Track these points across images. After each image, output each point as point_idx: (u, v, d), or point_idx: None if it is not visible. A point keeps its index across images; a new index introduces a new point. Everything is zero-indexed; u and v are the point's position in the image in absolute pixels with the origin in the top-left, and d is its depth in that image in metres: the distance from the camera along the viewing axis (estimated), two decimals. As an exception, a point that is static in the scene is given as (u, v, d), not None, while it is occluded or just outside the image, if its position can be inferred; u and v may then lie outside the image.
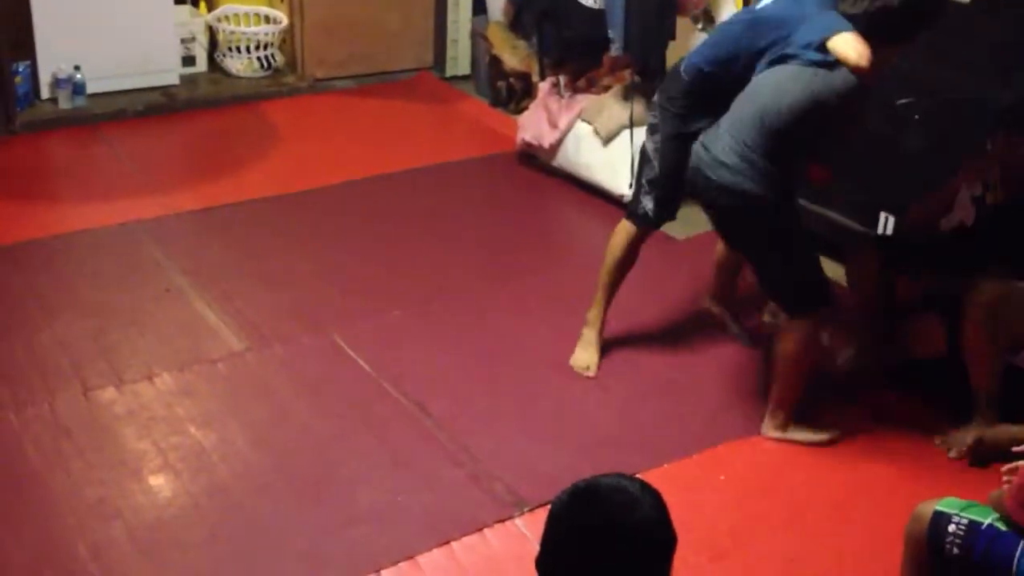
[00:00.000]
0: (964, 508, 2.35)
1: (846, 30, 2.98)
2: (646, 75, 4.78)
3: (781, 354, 3.30)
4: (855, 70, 2.95)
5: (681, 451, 3.28)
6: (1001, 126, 3.36)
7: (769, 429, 3.34)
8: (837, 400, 3.54)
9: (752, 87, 3.15)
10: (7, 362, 3.53)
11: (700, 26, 4.87)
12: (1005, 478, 2.42)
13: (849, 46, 2.95)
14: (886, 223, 4.03)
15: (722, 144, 3.12)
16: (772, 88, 3.08)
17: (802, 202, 4.32)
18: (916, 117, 3.91)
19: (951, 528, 2.33)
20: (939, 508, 2.37)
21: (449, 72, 6.24)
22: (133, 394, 3.41)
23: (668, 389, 3.59)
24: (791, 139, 3.07)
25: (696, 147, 3.22)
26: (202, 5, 6.00)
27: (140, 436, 3.24)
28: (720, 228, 3.40)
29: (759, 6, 3.31)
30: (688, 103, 3.41)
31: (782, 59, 3.10)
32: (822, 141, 3.21)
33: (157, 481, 3.06)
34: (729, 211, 3.20)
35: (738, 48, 3.26)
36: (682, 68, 3.44)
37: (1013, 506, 2.27)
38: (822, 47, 2.99)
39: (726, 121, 3.16)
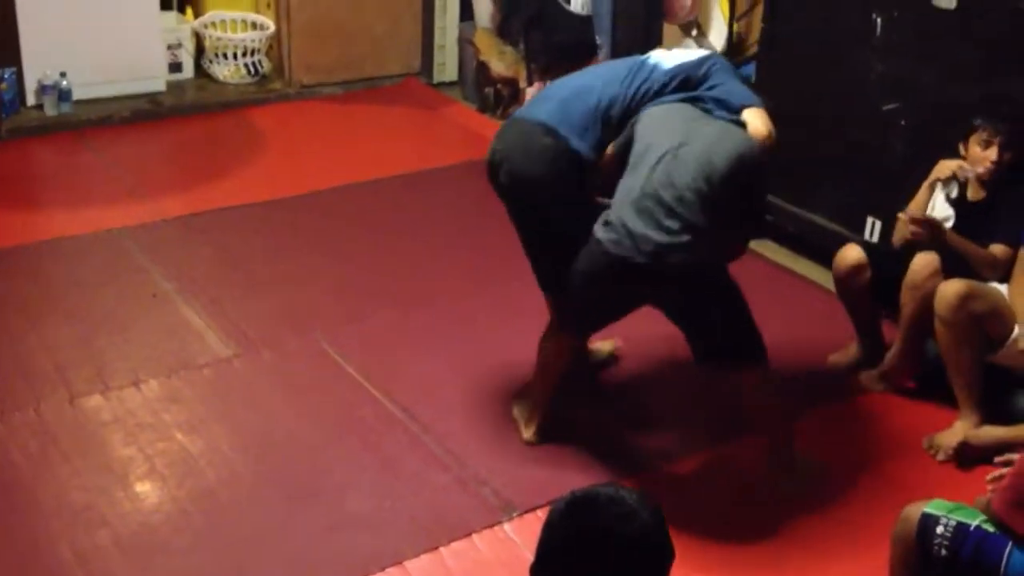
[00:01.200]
0: (952, 510, 2.36)
1: (760, 103, 2.99)
2: (633, 80, 4.79)
3: (767, 409, 3.13)
4: (764, 141, 2.94)
5: (671, 456, 3.28)
6: (970, 124, 3.39)
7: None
8: (826, 402, 3.56)
9: (666, 144, 2.86)
10: (-8, 368, 3.52)
11: (694, 33, 4.90)
12: (990, 486, 2.43)
13: (764, 120, 2.97)
14: (873, 227, 4.04)
15: (651, 215, 2.80)
16: (705, 143, 2.85)
17: (789, 206, 4.37)
18: (902, 122, 3.93)
19: (939, 530, 2.33)
20: (927, 510, 2.37)
21: (436, 78, 6.24)
22: (119, 400, 3.40)
23: (658, 394, 3.59)
24: (728, 196, 2.85)
25: (612, 233, 2.84)
26: (188, 11, 5.99)
27: (126, 442, 3.22)
28: (662, 302, 3.03)
29: (652, 59, 3.13)
30: None
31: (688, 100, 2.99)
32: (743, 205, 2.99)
33: (143, 487, 3.05)
34: (678, 281, 2.90)
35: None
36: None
37: (1001, 507, 2.28)
38: (737, 111, 2.96)
39: (639, 189, 2.82)
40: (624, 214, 2.82)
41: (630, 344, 3.83)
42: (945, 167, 3.45)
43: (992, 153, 3.35)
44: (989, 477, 2.52)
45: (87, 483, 3.05)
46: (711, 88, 3.01)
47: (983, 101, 3.52)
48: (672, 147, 2.84)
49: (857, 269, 3.54)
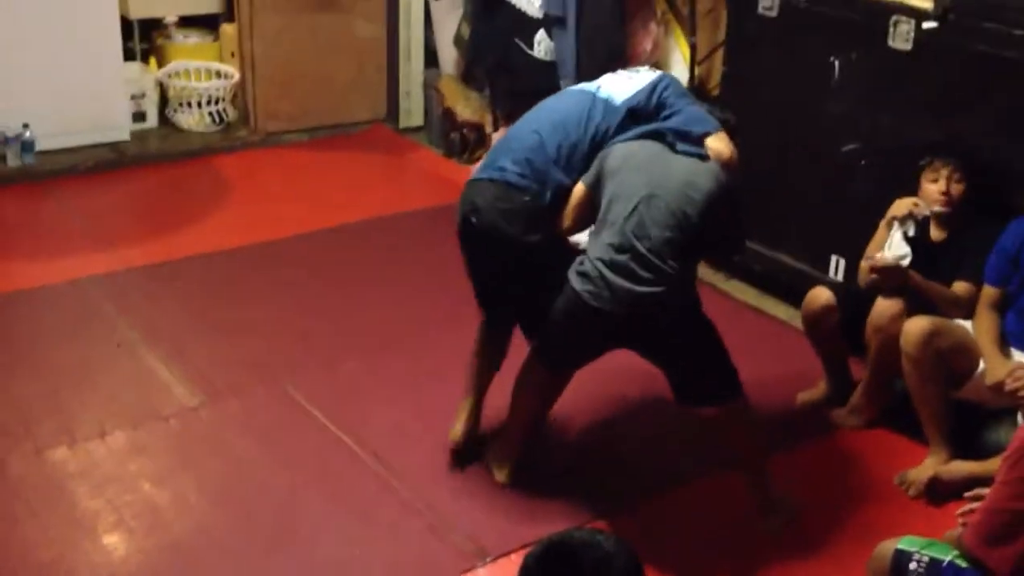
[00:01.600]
0: (925, 546, 2.37)
1: (718, 126, 3.03)
2: (597, 124, 4.83)
3: (746, 445, 3.15)
4: (728, 164, 2.99)
5: (644, 495, 3.28)
6: (930, 159, 3.46)
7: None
8: (798, 440, 3.57)
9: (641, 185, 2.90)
10: (-44, 423, 3.46)
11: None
12: (960, 520, 2.45)
13: (725, 142, 3.02)
14: (838, 266, 4.09)
15: (627, 268, 2.84)
16: (675, 190, 2.88)
17: (755, 245, 4.41)
18: (862, 162, 3.99)
19: (912, 566, 2.34)
20: (900, 547, 2.38)
21: (402, 124, 6.27)
22: (86, 452, 3.36)
23: (628, 433, 3.59)
24: (703, 233, 2.91)
25: (590, 285, 2.87)
26: (152, 61, 5.99)
27: (93, 495, 3.18)
28: (640, 346, 3.07)
29: (602, 93, 3.14)
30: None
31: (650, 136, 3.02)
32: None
33: (111, 539, 3.01)
34: (656, 326, 2.95)
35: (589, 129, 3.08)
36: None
37: (972, 542, 2.30)
38: (698, 140, 2.98)
39: (615, 243, 2.85)
40: (601, 266, 2.87)
41: (597, 379, 3.84)
42: (901, 205, 3.51)
43: (941, 185, 3.42)
44: (959, 512, 2.54)
45: (54, 537, 3.00)
46: (669, 117, 3.04)
47: (933, 140, 3.59)
48: (643, 197, 2.88)
49: (826, 311, 3.57)
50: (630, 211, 2.87)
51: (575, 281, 2.92)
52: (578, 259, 2.97)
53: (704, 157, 2.98)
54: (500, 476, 3.29)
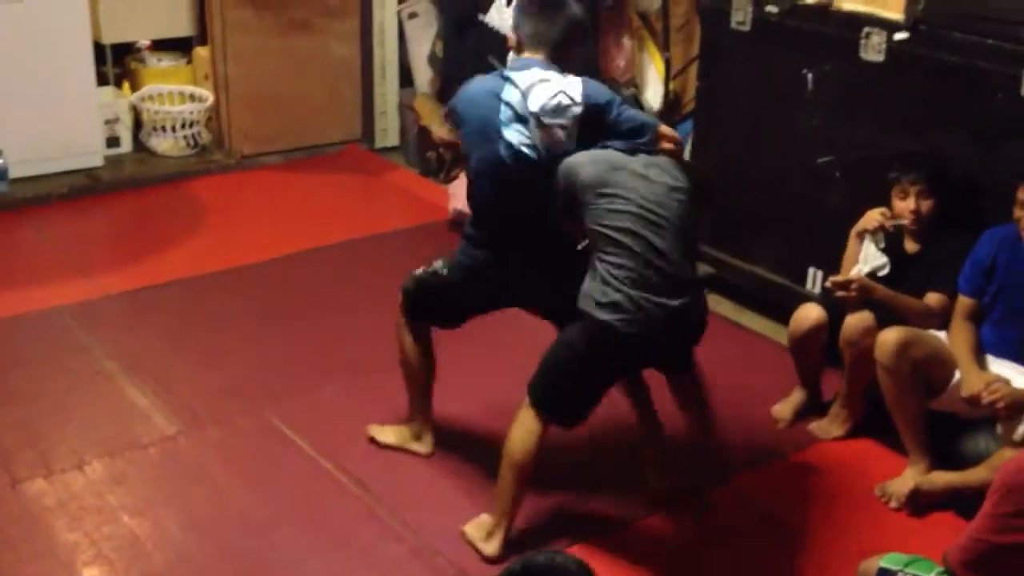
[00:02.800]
0: (908, 564, 2.38)
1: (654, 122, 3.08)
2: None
3: (707, 401, 3.25)
4: (675, 152, 3.05)
5: (619, 520, 3.26)
6: (897, 175, 3.48)
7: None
8: (778, 453, 3.57)
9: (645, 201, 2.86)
10: (-70, 457, 3.42)
11: (632, 91, 4.96)
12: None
13: (668, 128, 3.09)
14: (815, 279, 4.10)
15: (654, 286, 2.81)
16: (670, 205, 2.88)
17: (731, 259, 4.43)
18: (836, 174, 4.01)
19: None
20: (883, 564, 2.40)
21: (378, 144, 6.26)
22: (63, 484, 3.32)
23: (603, 457, 3.57)
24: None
25: (620, 313, 2.79)
26: (125, 86, 5.97)
27: (71, 527, 3.15)
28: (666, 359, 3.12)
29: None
30: None
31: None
32: None
33: (90, 573, 2.98)
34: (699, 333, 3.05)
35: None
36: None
37: (957, 566, 2.32)
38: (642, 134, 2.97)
39: (635, 269, 2.81)
40: (630, 292, 2.79)
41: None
42: (870, 218, 3.52)
43: (911, 203, 3.44)
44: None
45: (31, 571, 2.96)
46: (617, 123, 2.96)
47: (901, 154, 3.60)
48: (645, 212, 2.83)
49: (816, 329, 3.57)
50: (636, 235, 2.81)
51: (599, 312, 2.81)
52: (585, 293, 2.85)
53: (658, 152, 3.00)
54: (491, 548, 3.01)
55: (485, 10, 4.86)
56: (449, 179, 5.57)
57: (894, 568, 2.37)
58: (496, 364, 4.02)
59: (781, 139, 4.20)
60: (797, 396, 3.75)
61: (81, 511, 3.21)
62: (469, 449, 3.54)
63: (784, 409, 3.75)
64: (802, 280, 4.15)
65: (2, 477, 3.34)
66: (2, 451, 3.46)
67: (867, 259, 3.52)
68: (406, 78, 6.13)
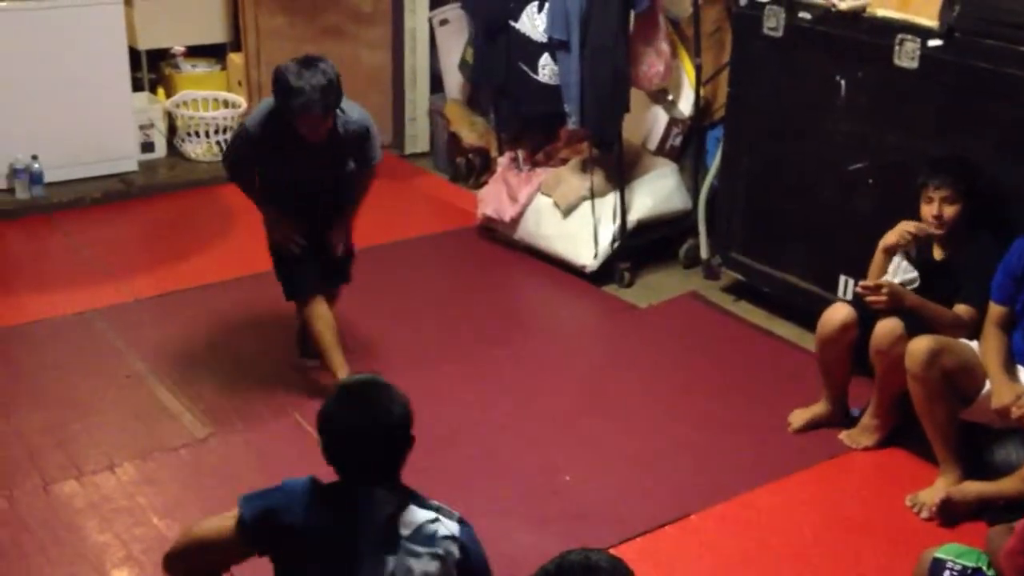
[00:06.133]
0: (959, 555, 2.54)
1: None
2: (603, 147, 4.84)
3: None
4: None
5: (651, 523, 3.25)
6: (924, 180, 3.44)
7: None
8: (809, 462, 3.55)
9: None
10: (-36, 457, 3.46)
11: (669, 98, 4.95)
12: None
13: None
14: (846, 286, 4.06)
15: None
16: None
17: (762, 266, 4.41)
18: (869, 181, 3.98)
19: (946, 574, 2.51)
20: (937, 555, 2.54)
21: (408, 150, 6.28)
22: (94, 485, 3.35)
23: (633, 460, 3.57)
24: None
25: None
26: (160, 91, 6.02)
27: (102, 528, 3.17)
28: None
29: None
30: None
31: None
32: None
33: (120, 574, 2.99)
34: None
35: None
36: None
37: (1005, 569, 2.41)
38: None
39: None
40: None
41: (601, 412, 3.82)
42: (893, 234, 3.47)
43: (934, 208, 3.40)
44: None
45: (61, 573, 2.99)
46: None
47: (929, 159, 3.56)
48: None
49: (844, 328, 3.53)
50: None
51: None
52: None
53: None
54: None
55: (516, 17, 4.86)
56: (478, 185, 5.58)
57: (946, 558, 2.52)
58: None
59: (812, 145, 4.18)
60: (818, 408, 3.70)
61: (112, 512, 3.23)
62: (501, 454, 3.54)
63: (798, 417, 3.71)
64: (833, 287, 4.12)
65: (34, 478, 3.37)
66: (34, 453, 3.49)
67: (896, 272, 3.48)
68: (436, 84, 6.14)
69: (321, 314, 3.74)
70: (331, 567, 2.12)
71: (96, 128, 5.54)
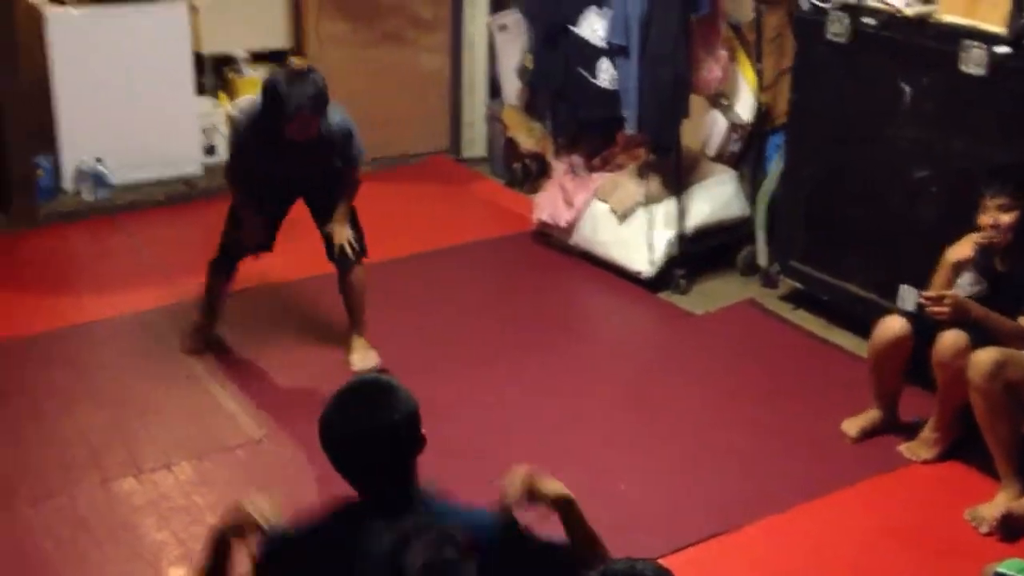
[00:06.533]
0: (1021, 569, 2.56)
1: None
2: (660, 152, 4.80)
3: None
4: None
5: (702, 533, 3.22)
6: (981, 190, 3.36)
7: None
8: (867, 474, 3.49)
9: None
10: (26, 454, 3.53)
11: (724, 103, 4.91)
12: None
13: None
14: (907, 296, 3.98)
15: None
16: None
17: (821, 274, 4.35)
18: (932, 189, 3.91)
19: None
20: (999, 569, 2.58)
21: (465, 154, 6.30)
22: (152, 484, 3.40)
23: (686, 469, 3.54)
24: None
25: None
26: (222, 95, 6.10)
27: (159, 526, 3.21)
28: None
29: None
30: None
31: None
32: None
33: (177, 573, 3.03)
34: None
35: None
36: None
37: None
38: None
39: None
40: None
41: (654, 420, 3.79)
42: (955, 252, 3.41)
43: (988, 217, 3.32)
44: None
45: (118, 570, 3.03)
46: None
47: (988, 167, 3.48)
48: None
49: (899, 342, 3.48)
50: None
51: None
52: None
53: None
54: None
55: (576, 21, 4.85)
56: (535, 190, 5.57)
57: (1008, 572, 2.55)
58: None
59: (875, 153, 4.11)
60: (871, 415, 3.66)
61: (169, 511, 3.28)
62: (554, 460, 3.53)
63: (853, 425, 3.66)
64: (894, 297, 4.03)
65: (93, 476, 3.43)
66: (94, 450, 3.55)
67: (961, 285, 3.41)
68: (494, 89, 6.15)
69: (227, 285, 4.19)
70: None
71: (160, 131, 5.63)
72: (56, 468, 3.46)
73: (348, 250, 4.01)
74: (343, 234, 4.01)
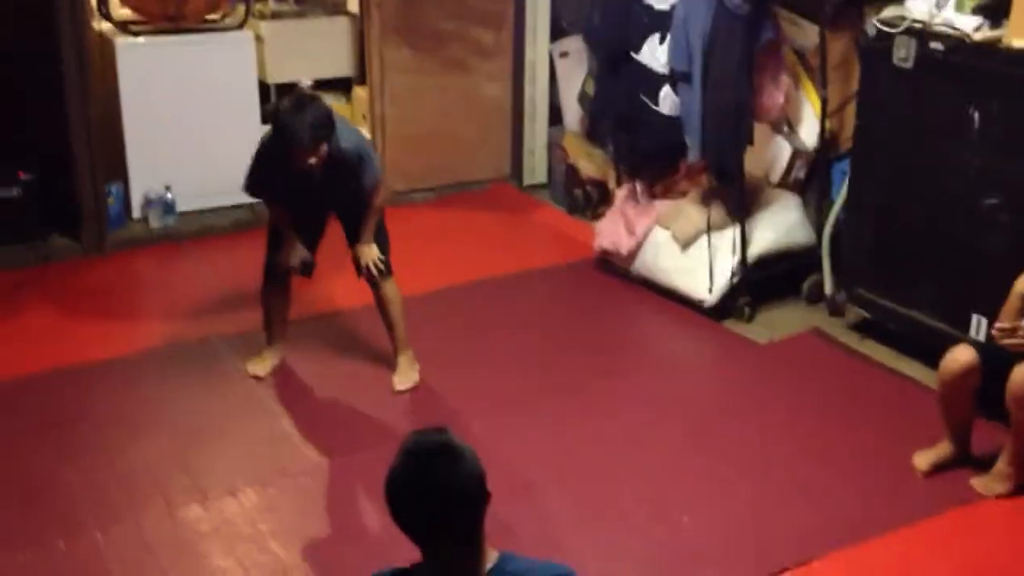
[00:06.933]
0: None
1: None
2: (723, 180, 4.77)
3: None
4: None
5: (770, 567, 3.17)
6: None
7: None
8: (939, 509, 3.42)
9: None
10: (93, 480, 3.57)
11: (785, 130, 4.87)
12: None
13: None
14: (979, 326, 3.91)
15: None
16: None
17: (889, 303, 4.27)
18: (1002, 217, 3.83)
19: None
20: None
21: (526, 181, 6.31)
22: (217, 510, 3.42)
23: (750, 501, 3.48)
24: None
25: None
26: (282, 121, 6.16)
27: (224, 553, 3.23)
28: None
29: None
30: None
31: None
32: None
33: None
34: None
35: None
36: None
37: None
38: None
39: None
40: None
41: (720, 452, 3.74)
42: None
43: None
44: None
45: (183, 596, 3.05)
46: None
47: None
48: None
49: (967, 372, 3.41)
50: None
51: None
52: None
53: None
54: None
55: (638, 48, 4.84)
56: (596, 217, 5.56)
57: None
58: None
59: (943, 179, 4.04)
60: (942, 449, 3.58)
61: (234, 538, 3.29)
62: (618, 488, 3.50)
63: (924, 459, 3.59)
64: (965, 327, 3.96)
65: (159, 502, 3.46)
66: (159, 476, 3.59)
67: None
68: (555, 116, 6.16)
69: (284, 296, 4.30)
70: None
71: (226, 159, 5.67)
72: (122, 493, 3.50)
73: (373, 270, 4.09)
74: (367, 254, 4.08)
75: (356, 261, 4.12)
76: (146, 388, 4.20)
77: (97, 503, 3.45)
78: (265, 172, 3.99)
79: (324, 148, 3.74)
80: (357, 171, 3.92)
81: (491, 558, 2.05)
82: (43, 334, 4.59)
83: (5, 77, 5.52)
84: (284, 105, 3.77)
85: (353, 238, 4.12)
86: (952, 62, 3.92)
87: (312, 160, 3.72)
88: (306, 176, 3.83)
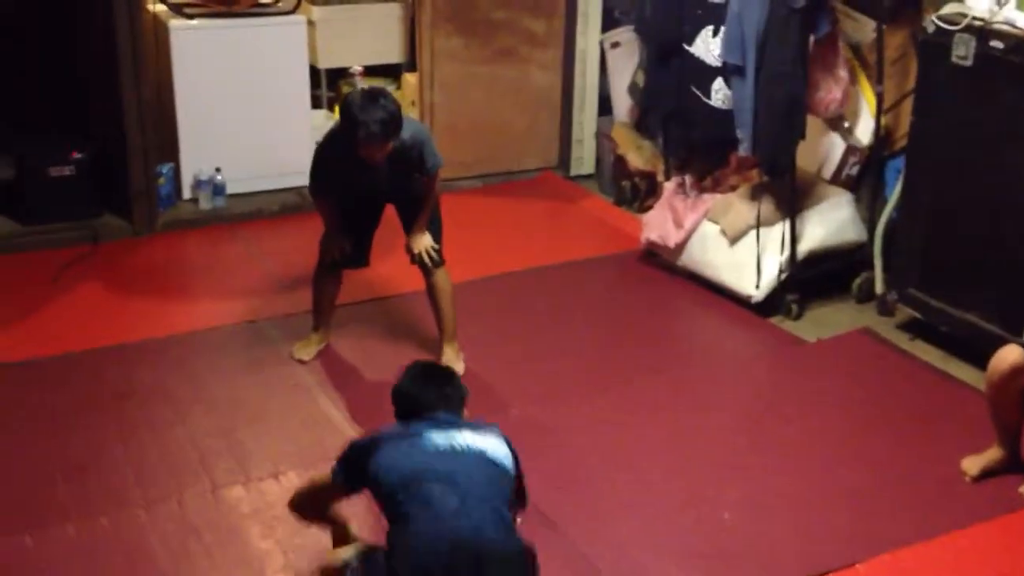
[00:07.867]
0: None
1: None
2: (774, 174, 4.72)
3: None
4: None
5: (813, 569, 3.14)
6: None
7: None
8: (987, 515, 3.36)
9: None
10: (139, 458, 3.61)
11: (846, 125, 4.81)
12: None
13: None
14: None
15: None
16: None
17: (941, 304, 4.21)
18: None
19: None
20: None
21: (574, 171, 6.28)
22: (259, 492, 3.44)
23: (794, 501, 3.45)
24: None
25: None
26: (337, 109, 6.18)
27: (265, 535, 3.25)
28: None
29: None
30: None
31: None
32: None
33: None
34: None
35: None
36: None
37: None
38: None
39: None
40: None
41: (765, 451, 3.71)
42: None
43: None
44: None
45: (224, 576, 3.08)
46: None
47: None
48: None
49: (1016, 371, 3.35)
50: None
51: None
52: None
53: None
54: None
55: (690, 40, 4.80)
56: (643, 209, 5.53)
57: None
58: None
59: (1001, 179, 3.97)
60: (992, 454, 3.52)
61: (275, 520, 3.31)
62: (656, 485, 3.48)
63: (973, 464, 3.53)
64: (1019, 331, 3.88)
65: (203, 481, 3.49)
66: (204, 456, 3.62)
67: None
68: (605, 107, 6.13)
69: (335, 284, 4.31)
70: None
71: (276, 143, 5.74)
72: (167, 472, 3.54)
73: (426, 258, 4.10)
74: (420, 243, 4.10)
75: (409, 248, 4.13)
76: (192, 368, 4.23)
77: (141, 480, 3.49)
78: (330, 171, 4.03)
79: (387, 146, 3.78)
80: (419, 160, 3.94)
81: None
82: (92, 312, 4.64)
83: (61, 58, 5.59)
84: (355, 98, 3.78)
85: (410, 227, 4.14)
86: (1012, 61, 3.85)
87: (382, 153, 3.77)
88: (371, 169, 3.86)
